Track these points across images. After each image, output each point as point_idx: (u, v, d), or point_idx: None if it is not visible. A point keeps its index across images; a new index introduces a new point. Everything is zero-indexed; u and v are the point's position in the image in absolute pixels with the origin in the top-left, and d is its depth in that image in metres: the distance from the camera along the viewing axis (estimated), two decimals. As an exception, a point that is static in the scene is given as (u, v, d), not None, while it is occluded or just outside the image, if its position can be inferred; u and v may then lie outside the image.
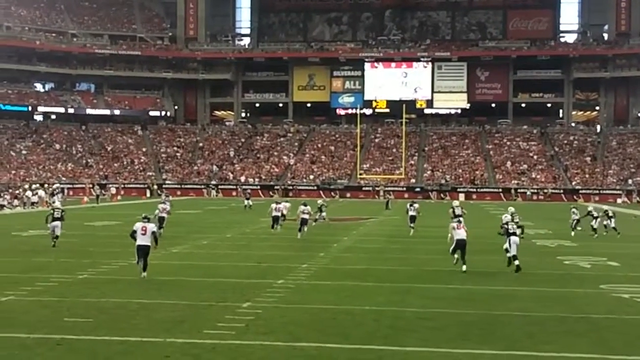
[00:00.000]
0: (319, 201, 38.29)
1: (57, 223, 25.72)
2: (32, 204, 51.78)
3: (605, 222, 32.81)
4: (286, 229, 32.47)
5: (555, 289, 17.76)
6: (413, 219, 32.11)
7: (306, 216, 29.94)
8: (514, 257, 20.36)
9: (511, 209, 26.72)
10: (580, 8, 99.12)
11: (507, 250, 20.81)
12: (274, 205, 32.73)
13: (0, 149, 79.57)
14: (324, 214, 36.57)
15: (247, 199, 52.22)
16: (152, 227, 18.61)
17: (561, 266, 22.08)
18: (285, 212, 33.69)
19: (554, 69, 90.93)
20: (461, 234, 20.21)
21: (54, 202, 45.12)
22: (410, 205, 32.81)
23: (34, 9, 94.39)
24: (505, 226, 21.03)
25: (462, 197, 68.78)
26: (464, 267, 19.86)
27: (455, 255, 20.42)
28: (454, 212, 30.85)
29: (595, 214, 32.40)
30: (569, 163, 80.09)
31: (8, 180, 66.46)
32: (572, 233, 32.15)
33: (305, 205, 30.47)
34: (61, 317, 13.69)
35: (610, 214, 33.33)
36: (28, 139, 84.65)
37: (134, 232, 18.35)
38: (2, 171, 72.78)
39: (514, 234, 20.68)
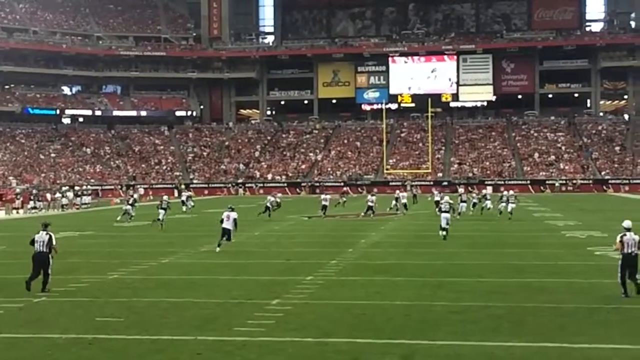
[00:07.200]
0: (404, 193, 44.36)
1: (162, 211, 33.26)
2: (62, 206, 52.33)
3: (501, 206, 37.87)
4: (317, 224, 33.53)
5: (586, 280, 17.59)
6: (437, 203, 35.63)
7: (371, 204, 38.53)
8: (444, 229, 26.09)
9: (505, 193, 38.41)
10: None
11: (442, 228, 26.20)
12: (322, 196, 40.81)
13: (29, 153, 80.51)
14: (407, 195, 43.61)
15: (343, 195, 50.27)
16: (233, 215, 23.94)
17: (592, 257, 21.86)
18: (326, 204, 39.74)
19: (580, 58, 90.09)
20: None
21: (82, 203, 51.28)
22: (440, 193, 42.35)
23: (59, 13, 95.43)
24: (440, 205, 26.57)
25: (489, 189, 68.25)
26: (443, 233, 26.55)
27: (443, 233, 26.42)
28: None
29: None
30: (598, 153, 79.28)
31: (38, 183, 67.14)
32: (471, 212, 39.25)
33: (373, 195, 39.89)
34: (93, 317, 13.80)
35: (513, 199, 37.36)
36: (57, 142, 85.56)
37: (222, 219, 23.86)
38: (32, 174, 73.60)
39: (447, 211, 26.48)
